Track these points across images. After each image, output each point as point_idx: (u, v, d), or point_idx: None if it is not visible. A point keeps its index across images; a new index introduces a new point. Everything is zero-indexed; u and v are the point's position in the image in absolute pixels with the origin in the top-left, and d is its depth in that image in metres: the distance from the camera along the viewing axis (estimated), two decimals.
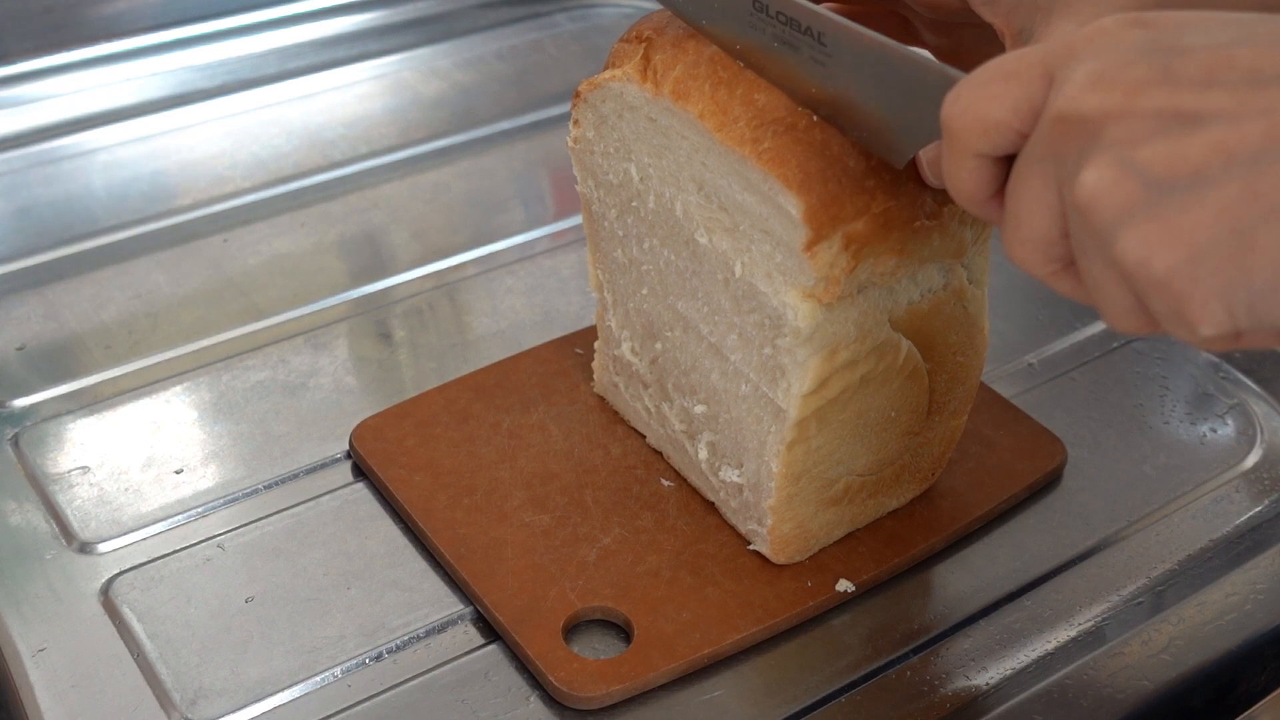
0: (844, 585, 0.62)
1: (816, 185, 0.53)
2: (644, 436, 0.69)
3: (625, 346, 0.68)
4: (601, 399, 0.71)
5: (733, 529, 0.64)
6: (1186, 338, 0.38)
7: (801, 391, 0.56)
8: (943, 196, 0.55)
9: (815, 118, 0.54)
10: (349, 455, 0.69)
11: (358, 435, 0.69)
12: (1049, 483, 0.68)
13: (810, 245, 0.53)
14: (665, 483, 0.67)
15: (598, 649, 0.59)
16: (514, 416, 0.70)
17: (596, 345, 0.71)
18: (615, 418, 0.70)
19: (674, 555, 0.63)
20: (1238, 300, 0.37)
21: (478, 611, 0.61)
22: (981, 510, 0.66)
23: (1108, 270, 0.39)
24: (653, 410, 0.67)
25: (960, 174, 0.42)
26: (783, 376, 0.57)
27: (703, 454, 0.64)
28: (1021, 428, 0.70)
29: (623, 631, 0.60)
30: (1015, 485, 0.67)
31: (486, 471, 0.67)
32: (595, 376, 0.72)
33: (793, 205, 0.53)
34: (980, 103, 0.41)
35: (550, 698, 0.58)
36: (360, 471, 0.69)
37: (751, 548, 0.63)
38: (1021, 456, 0.68)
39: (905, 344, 0.58)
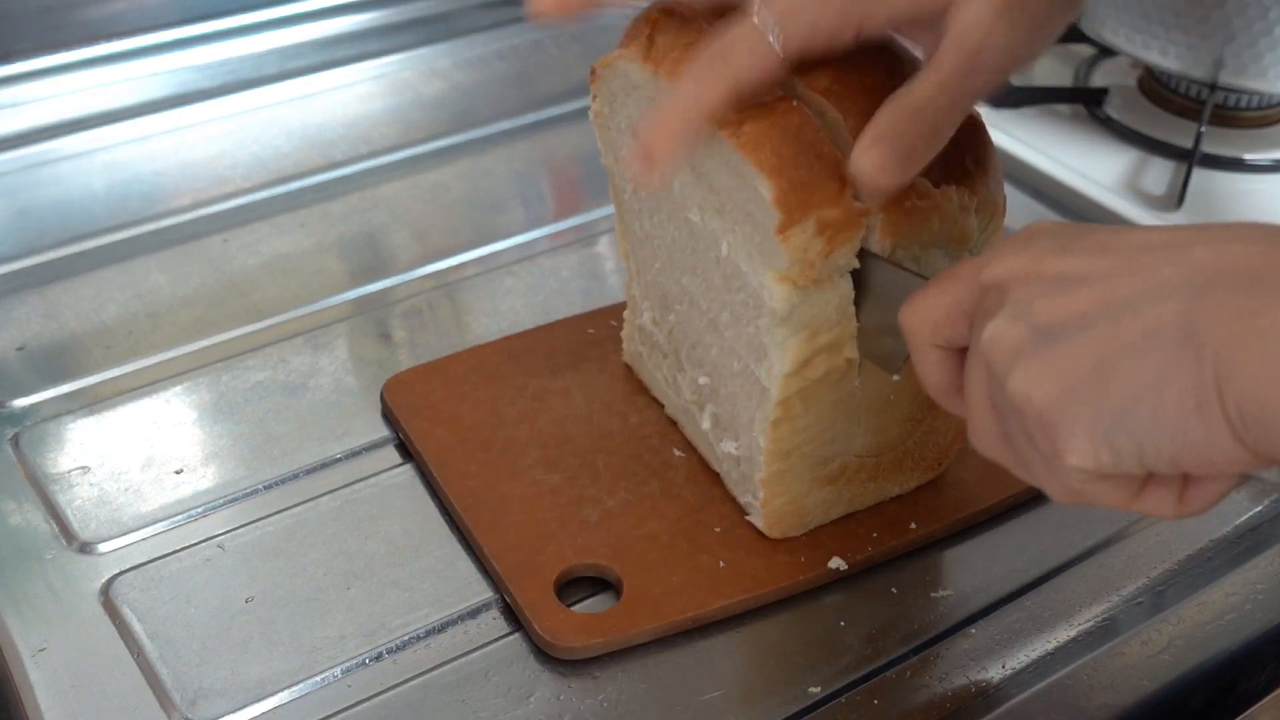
0: (836, 563, 0.62)
1: (788, 170, 0.53)
2: (663, 406, 0.70)
3: (646, 316, 0.70)
4: (628, 369, 0.73)
5: (735, 501, 0.65)
6: (1062, 476, 0.43)
7: (782, 371, 0.57)
8: (938, 177, 0.56)
9: (795, 102, 0.55)
10: (348, 456, 0.69)
11: (388, 387, 0.71)
12: None
13: (782, 229, 0.53)
14: (677, 453, 0.68)
15: (590, 608, 0.61)
16: (541, 380, 0.72)
17: (625, 314, 0.72)
18: (639, 388, 0.72)
19: (674, 522, 0.64)
20: (1098, 432, 0.41)
21: (477, 611, 0.61)
22: (986, 503, 0.66)
23: (1018, 430, 0.44)
24: (669, 379, 0.69)
25: (925, 369, 0.49)
26: (765, 356, 0.58)
27: (706, 424, 0.66)
28: None
29: (617, 593, 0.61)
30: (1022, 482, 0.67)
31: (506, 430, 0.68)
32: (624, 345, 0.73)
33: (765, 189, 0.54)
34: (926, 303, 0.48)
35: (552, 696, 0.58)
36: (361, 473, 0.69)
37: (749, 518, 0.64)
38: None
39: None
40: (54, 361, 0.76)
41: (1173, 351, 0.39)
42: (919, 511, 0.65)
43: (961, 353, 0.48)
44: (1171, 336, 0.39)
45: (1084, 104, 0.98)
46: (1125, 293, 0.41)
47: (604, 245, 0.86)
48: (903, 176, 0.53)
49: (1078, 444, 0.41)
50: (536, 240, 0.86)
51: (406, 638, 0.60)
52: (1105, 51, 1.03)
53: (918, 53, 0.57)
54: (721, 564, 0.62)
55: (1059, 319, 0.42)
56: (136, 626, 0.60)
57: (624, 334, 0.73)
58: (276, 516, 0.66)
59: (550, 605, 0.60)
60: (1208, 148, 0.91)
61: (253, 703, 0.57)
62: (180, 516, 0.66)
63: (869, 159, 0.52)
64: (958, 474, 0.67)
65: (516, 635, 0.61)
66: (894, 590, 0.63)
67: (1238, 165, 0.92)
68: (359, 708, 0.58)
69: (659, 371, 0.70)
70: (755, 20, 0.53)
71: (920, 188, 0.55)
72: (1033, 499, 0.67)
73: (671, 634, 0.60)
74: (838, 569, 0.62)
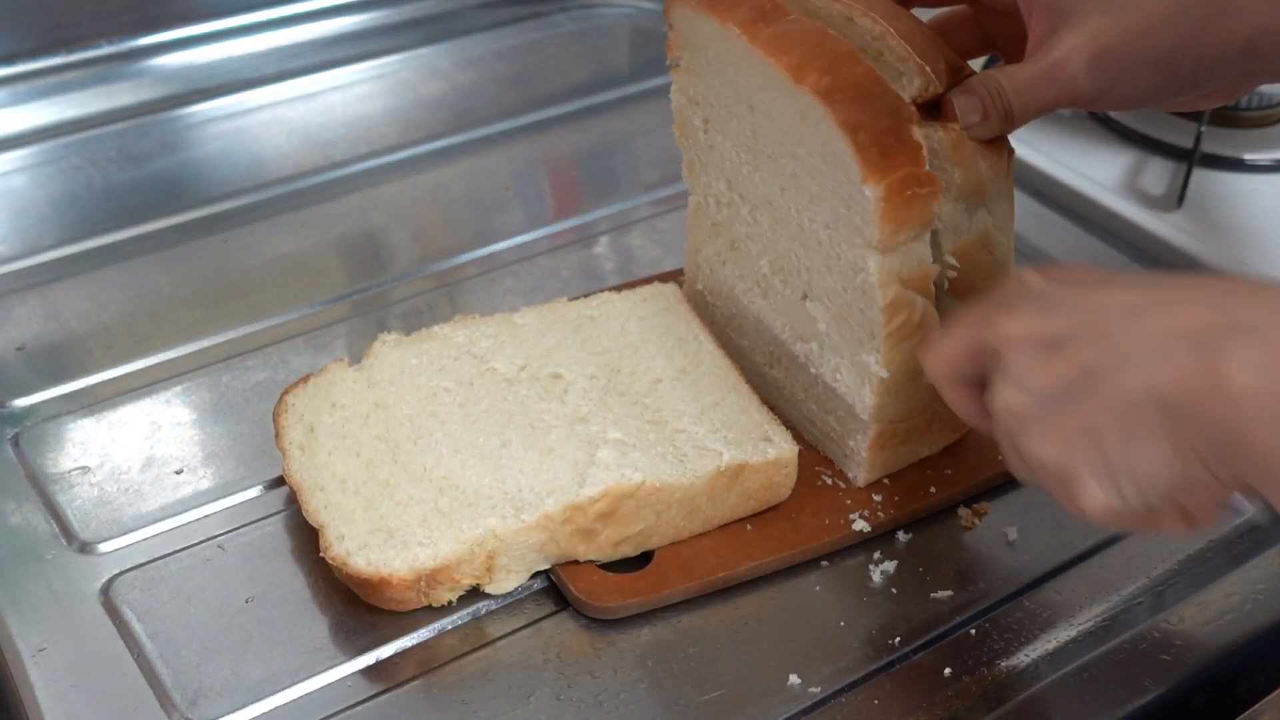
0: (860, 525, 0.64)
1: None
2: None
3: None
4: None
5: None
6: (1082, 517, 0.50)
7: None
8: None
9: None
10: None
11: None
12: None
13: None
14: None
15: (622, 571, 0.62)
16: None
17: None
18: None
19: None
20: (1104, 480, 0.48)
21: (477, 612, 0.61)
22: (1001, 468, 0.66)
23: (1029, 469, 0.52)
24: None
25: (953, 400, 0.57)
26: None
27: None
28: None
29: (649, 559, 0.63)
30: None
31: None
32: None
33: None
34: (943, 349, 0.56)
35: (552, 695, 0.58)
36: None
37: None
38: None
39: (920, 302, 0.61)
40: (54, 361, 0.76)
41: (1143, 412, 0.47)
42: (940, 475, 0.67)
43: (978, 384, 0.55)
44: (1139, 400, 0.47)
45: None
46: (1097, 361, 0.48)
47: (604, 245, 0.86)
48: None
49: (1091, 491, 0.49)
50: (536, 240, 0.86)
51: (406, 638, 0.60)
52: None
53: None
54: (749, 528, 0.64)
55: (1049, 386, 0.49)
56: (136, 626, 0.60)
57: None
58: (276, 516, 0.66)
59: (585, 568, 0.62)
60: (1208, 148, 0.91)
61: (253, 703, 0.57)
62: (180, 516, 0.66)
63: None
64: (976, 439, 0.69)
65: (516, 636, 0.61)
66: (894, 590, 0.63)
67: (1238, 165, 0.92)
68: (359, 708, 0.58)
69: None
70: None
71: (922, 176, 0.57)
72: (1029, 502, 0.67)
73: (701, 594, 0.62)
74: (861, 531, 0.64)
